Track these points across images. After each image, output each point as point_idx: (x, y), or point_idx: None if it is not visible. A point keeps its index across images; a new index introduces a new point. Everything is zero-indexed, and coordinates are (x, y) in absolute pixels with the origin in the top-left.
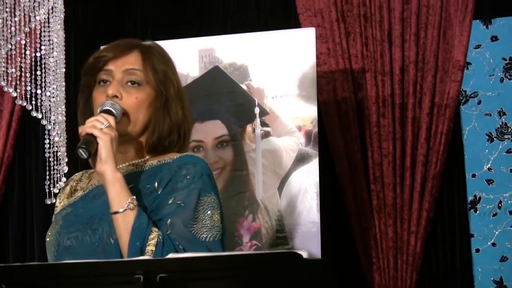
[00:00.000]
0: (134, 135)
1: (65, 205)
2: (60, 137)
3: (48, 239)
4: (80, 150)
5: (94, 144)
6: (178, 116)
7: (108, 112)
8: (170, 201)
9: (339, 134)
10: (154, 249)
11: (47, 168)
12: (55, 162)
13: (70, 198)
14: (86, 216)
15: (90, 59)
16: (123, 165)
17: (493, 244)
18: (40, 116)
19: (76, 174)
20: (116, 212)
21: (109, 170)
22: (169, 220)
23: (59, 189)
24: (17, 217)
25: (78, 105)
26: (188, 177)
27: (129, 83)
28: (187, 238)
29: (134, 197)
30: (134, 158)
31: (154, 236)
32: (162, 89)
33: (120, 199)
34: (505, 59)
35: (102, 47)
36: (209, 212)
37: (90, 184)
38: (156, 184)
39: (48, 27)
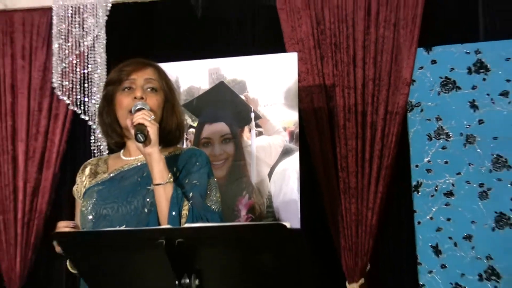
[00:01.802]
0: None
1: (92, 183)
2: (101, 135)
3: (84, 209)
4: (139, 135)
5: (145, 131)
6: (180, 118)
7: (142, 109)
8: (187, 181)
9: (315, 134)
10: (187, 213)
11: (94, 156)
12: (98, 153)
13: (96, 178)
14: (119, 192)
15: (113, 74)
16: (134, 157)
17: (431, 218)
18: (87, 118)
19: (91, 159)
20: (158, 184)
21: (156, 152)
22: (191, 194)
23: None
24: (67, 198)
25: (100, 108)
26: (197, 163)
27: (148, 89)
28: (204, 207)
29: (171, 175)
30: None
31: (186, 204)
32: (169, 96)
33: (163, 175)
34: (441, 78)
35: (120, 64)
36: (214, 191)
37: (113, 168)
38: (174, 170)
39: (94, 50)
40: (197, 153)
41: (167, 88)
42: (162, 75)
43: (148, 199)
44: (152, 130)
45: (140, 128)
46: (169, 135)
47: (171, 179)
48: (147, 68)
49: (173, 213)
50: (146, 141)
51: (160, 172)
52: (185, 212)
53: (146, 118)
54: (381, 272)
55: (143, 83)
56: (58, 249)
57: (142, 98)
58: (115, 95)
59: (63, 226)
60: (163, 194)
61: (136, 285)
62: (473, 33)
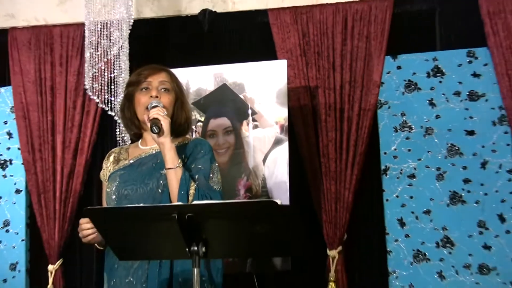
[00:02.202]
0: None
1: (115, 168)
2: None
3: (109, 190)
4: (154, 128)
5: (159, 124)
6: (188, 114)
7: (157, 106)
8: (193, 166)
9: (301, 127)
10: (194, 192)
11: (119, 145)
12: (122, 143)
13: (118, 164)
14: (137, 175)
15: (132, 77)
16: (150, 146)
17: (397, 196)
18: (113, 114)
19: (115, 148)
20: (170, 168)
21: (168, 141)
22: (197, 176)
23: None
24: (97, 180)
25: (122, 106)
26: (202, 151)
27: (162, 90)
28: (208, 187)
29: (181, 160)
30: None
31: (193, 184)
32: (179, 95)
33: (174, 160)
34: (405, 80)
35: (139, 69)
36: (215, 174)
37: (132, 156)
38: (183, 157)
39: (119, 58)
40: (201, 142)
41: (177, 88)
42: (173, 78)
43: (161, 181)
44: (165, 123)
45: (155, 122)
46: (179, 128)
47: (181, 164)
48: (161, 72)
49: (182, 192)
50: (160, 132)
51: (171, 158)
52: (192, 191)
53: (160, 114)
54: (355, 241)
55: (158, 85)
56: (84, 238)
57: (157, 97)
58: (135, 94)
59: (85, 222)
60: (174, 176)
61: (153, 252)
62: (431, 43)
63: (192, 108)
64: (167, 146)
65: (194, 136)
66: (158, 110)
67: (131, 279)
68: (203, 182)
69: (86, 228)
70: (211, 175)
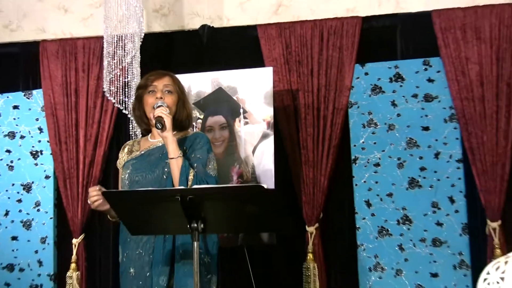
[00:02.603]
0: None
1: (129, 158)
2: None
3: (123, 177)
4: (158, 124)
5: (163, 121)
6: (189, 111)
7: (161, 106)
8: (193, 155)
9: (284, 124)
10: (192, 178)
11: (132, 139)
12: (134, 137)
13: (131, 155)
14: (146, 164)
15: (141, 81)
16: (158, 139)
17: (364, 182)
18: (127, 112)
19: (129, 141)
20: (172, 158)
21: (170, 135)
22: (195, 164)
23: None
24: (114, 168)
25: (133, 105)
26: (200, 143)
27: (166, 92)
28: (205, 174)
29: (181, 151)
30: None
31: (192, 171)
32: (181, 96)
33: (175, 151)
34: (371, 85)
35: (147, 74)
36: (212, 162)
37: (143, 148)
38: (184, 148)
39: (132, 65)
40: (200, 136)
41: (179, 90)
42: (175, 81)
43: (166, 169)
44: (167, 121)
45: (159, 119)
46: (181, 123)
47: (181, 154)
48: (165, 77)
49: (183, 178)
50: (163, 128)
51: (173, 150)
52: (191, 177)
53: (163, 112)
54: (330, 219)
55: (162, 88)
56: (92, 204)
57: (161, 98)
58: (143, 96)
59: (92, 190)
60: (176, 165)
61: (159, 228)
62: (393, 54)
63: (193, 107)
64: (169, 140)
65: (194, 130)
66: (161, 109)
67: (140, 251)
68: (201, 169)
69: (93, 195)
70: (208, 163)
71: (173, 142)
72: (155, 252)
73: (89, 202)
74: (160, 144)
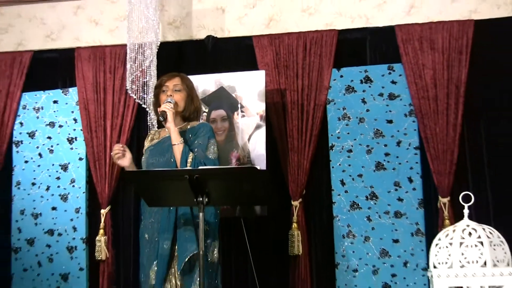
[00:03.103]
0: (179, 112)
1: (149, 145)
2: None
3: (143, 159)
4: (160, 117)
5: (165, 115)
6: (197, 105)
7: (167, 102)
8: (196, 142)
9: (274, 117)
10: (191, 160)
11: (149, 129)
12: (151, 127)
13: (151, 142)
14: (160, 150)
15: (157, 82)
16: (177, 127)
17: (339, 164)
18: (145, 106)
19: (152, 131)
20: (174, 144)
21: (171, 126)
22: (196, 149)
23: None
24: (134, 153)
25: (153, 102)
26: (203, 131)
27: (175, 90)
28: (204, 157)
29: (182, 138)
30: (179, 124)
31: (191, 155)
32: (189, 93)
33: (177, 139)
34: (345, 85)
35: (162, 76)
36: (212, 147)
37: (160, 137)
38: (190, 136)
39: (150, 68)
40: (204, 125)
41: (187, 88)
42: (183, 80)
43: (173, 154)
44: (169, 114)
45: (162, 113)
46: (190, 115)
47: (182, 142)
48: (175, 78)
49: (183, 160)
50: (165, 120)
51: (175, 138)
52: (189, 160)
53: (167, 107)
54: (311, 195)
55: (172, 87)
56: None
57: (171, 95)
58: (159, 95)
59: (116, 146)
60: (177, 150)
61: (170, 201)
62: (363, 60)
63: (200, 101)
64: (171, 129)
65: (201, 121)
66: (165, 105)
67: (152, 220)
68: (200, 153)
69: (115, 149)
70: (208, 148)
71: (175, 131)
72: (162, 221)
73: (112, 154)
74: (161, 138)
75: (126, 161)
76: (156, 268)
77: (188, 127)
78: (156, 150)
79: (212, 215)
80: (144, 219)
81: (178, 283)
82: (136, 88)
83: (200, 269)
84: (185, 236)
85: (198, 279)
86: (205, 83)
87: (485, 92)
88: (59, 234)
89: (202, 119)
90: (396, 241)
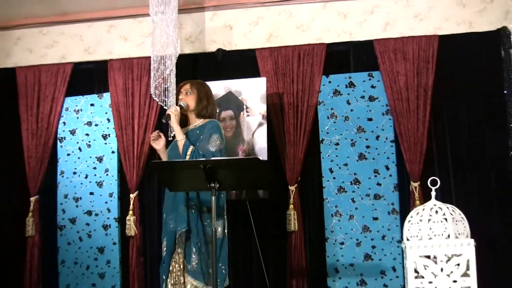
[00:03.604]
0: (192, 110)
1: (172, 141)
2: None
3: (167, 151)
4: (163, 119)
5: (169, 117)
6: (205, 104)
7: (179, 105)
8: (202, 137)
9: (274, 116)
10: (190, 153)
11: (169, 127)
12: (171, 127)
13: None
14: (174, 145)
15: (176, 88)
16: (192, 125)
17: (328, 155)
18: (166, 108)
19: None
20: (177, 140)
21: (175, 125)
22: (198, 143)
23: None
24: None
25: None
26: (208, 126)
27: (187, 93)
28: (204, 149)
29: (184, 135)
30: (194, 121)
31: (191, 148)
32: (198, 94)
33: (179, 136)
34: (333, 89)
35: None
36: (214, 140)
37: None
38: (197, 132)
39: (170, 76)
40: (211, 122)
41: (196, 91)
42: (193, 85)
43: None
44: (172, 116)
45: (166, 116)
46: (201, 113)
47: (183, 138)
48: (187, 84)
49: (183, 153)
50: (170, 121)
51: (177, 135)
52: (189, 153)
53: (171, 110)
54: (305, 180)
55: (185, 92)
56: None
57: (182, 98)
58: (178, 98)
59: (152, 133)
60: (180, 144)
61: (188, 186)
62: (347, 68)
63: (210, 101)
64: (175, 128)
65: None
66: (171, 108)
67: (168, 203)
68: (202, 146)
69: (152, 135)
70: (209, 141)
71: (177, 130)
72: (176, 201)
73: (150, 136)
74: (185, 132)
75: (159, 144)
76: (165, 243)
77: (201, 123)
78: (173, 145)
79: (221, 199)
80: (165, 201)
81: (181, 255)
82: (159, 93)
83: (213, 244)
84: (180, 216)
85: (194, 249)
86: (216, 88)
87: (447, 94)
88: (96, 215)
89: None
90: (375, 218)
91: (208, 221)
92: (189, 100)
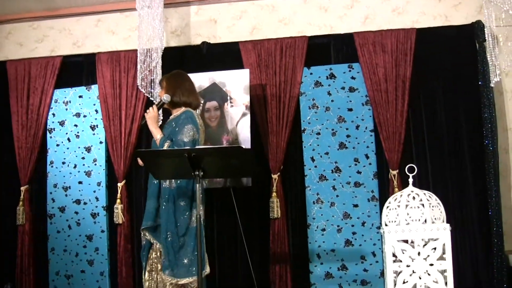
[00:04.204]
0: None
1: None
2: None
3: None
4: (141, 123)
5: (144, 120)
6: (177, 96)
7: (158, 102)
8: (177, 129)
9: (257, 106)
10: (167, 147)
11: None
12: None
13: None
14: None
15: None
16: (172, 116)
17: (310, 144)
18: (152, 99)
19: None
20: (156, 139)
21: (150, 127)
22: (173, 137)
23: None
24: (142, 135)
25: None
26: (182, 117)
27: (161, 88)
28: (176, 142)
29: (160, 133)
30: (173, 112)
31: (167, 143)
32: (166, 86)
33: (157, 135)
34: (314, 81)
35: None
36: (186, 131)
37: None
38: (173, 124)
39: (156, 68)
40: (186, 113)
41: (165, 83)
42: (164, 78)
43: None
44: (149, 121)
45: (143, 120)
46: (174, 104)
47: (160, 136)
48: (163, 79)
49: (160, 147)
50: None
51: (155, 134)
52: (165, 146)
53: (147, 112)
54: (287, 169)
55: (160, 87)
56: (140, 163)
57: (159, 95)
58: None
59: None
60: (157, 141)
61: (173, 174)
62: (328, 60)
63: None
64: (152, 131)
65: (198, 111)
66: (148, 110)
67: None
68: (176, 138)
69: (148, 111)
70: (183, 132)
71: (154, 131)
72: (149, 193)
73: (138, 160)
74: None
75: (153, 124)
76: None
77: (177, 114)
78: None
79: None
80: (148, 189)
81: (158, 245)
82: (145, 84)
83: (198, 231)
84: (147, 213)
85: (164, 245)
86: (201, 80)
87: (425, 85)
88: (85, 203)
89: (198, 109)
90: (356, 205)
91: (184, 213)
92: (161, 93)
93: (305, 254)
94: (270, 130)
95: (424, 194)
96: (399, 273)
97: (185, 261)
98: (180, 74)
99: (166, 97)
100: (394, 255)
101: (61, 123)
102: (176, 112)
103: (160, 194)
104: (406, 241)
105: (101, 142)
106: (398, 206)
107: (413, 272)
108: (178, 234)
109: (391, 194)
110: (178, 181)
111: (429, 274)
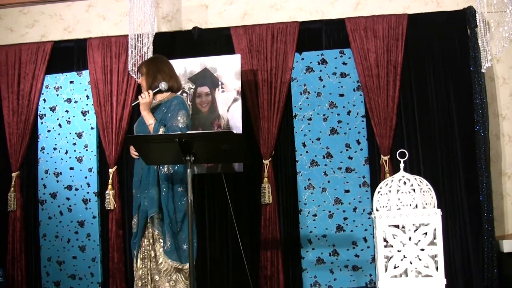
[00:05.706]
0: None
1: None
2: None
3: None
4: (132, 105)
5: (138, 105)
6: (150, 79)
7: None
8: (169, 115)
9: (248, 92)
10: (162, 133)
11: None
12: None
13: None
14: (143, 121)
15: None
16: (158, 100)
17: (301, 130)
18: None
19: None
20: (148, 125)
21: (143, 112)
22: (167, 122)
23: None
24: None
25: None
26: (174, 103)
27: (142, 75)
28: (172, 127)
29: (154, 119)
30: (159, 98)
31: (161, 129)
32: (147, 72)
33: (150, 120)
34: (306, 66)
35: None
36: (180, 116)
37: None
38: (163, 109)
39: (147, 53)
40: (176, 98)
41: (145, 69)
42: (143, 64)
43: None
44: (140, 104)
45: (136, 103)
46: (156, 90)
47: (153, 122)
48: (142, 65)
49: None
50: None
51: (147, 120)
52: (160, 132)
53: (142, 96)
54: (279, 155)
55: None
56: (133, 154)
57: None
58: None
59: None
60: (151, 128)
61: (163, 159)
62: (319, 46)
63: (187, 81)
64: (144, 115)
65: (188, 98)
66: (140, 96)
67: (136, 179)
68: (170, 124)
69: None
70: (177, 118)
71: (146, 116)
72: (142, 181)
73: (131, 149)
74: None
75: (146, 110)
76: (136, 220)
77: (166, 99)
78: (140, 120)
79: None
80: (134, 176)
81: (152, 230)
82: (136, 70)
83: (189, 217)
84: (151, 200)
85: (167, 230)
86: (192, 65)
87: (416, 71)
88: (76, 189)
89: (189, 94)
90: (347, 191)
91: (182, 198)
92: (142, 80)
93: (296, 240)
94: (261, 116)
95: (415, 179)
96: (390, 258)
97: (185, 246)
98: (159, 59)
99: (164, 85)
100: (385, 240)
101: (52, 109)
102: (162, 98)
103: (159, 179)
104: (397, 226)
105: (92, 128)
106: (389, 191)
107: (404, 257)
108: (176, 220)
109: (383, 179)
110: (176, 167)
111: (420, 259)
